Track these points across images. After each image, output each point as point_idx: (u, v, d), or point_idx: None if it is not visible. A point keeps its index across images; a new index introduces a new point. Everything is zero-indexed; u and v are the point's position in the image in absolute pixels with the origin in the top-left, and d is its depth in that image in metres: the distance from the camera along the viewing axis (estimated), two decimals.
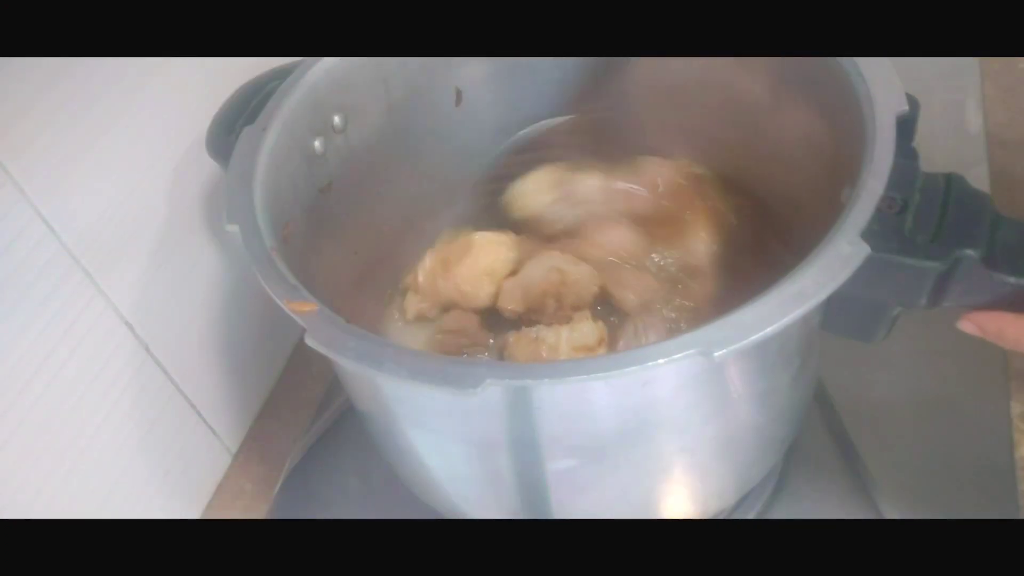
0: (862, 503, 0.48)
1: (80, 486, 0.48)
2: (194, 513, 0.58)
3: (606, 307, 0.50)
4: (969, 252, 0.33)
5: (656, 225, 0.52)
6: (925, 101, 0.39)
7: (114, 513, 0.50)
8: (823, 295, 0.32)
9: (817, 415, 0.52)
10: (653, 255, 0.51)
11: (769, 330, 0.31)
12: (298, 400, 0.64)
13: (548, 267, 0.50)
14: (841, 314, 0.37)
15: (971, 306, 0.35)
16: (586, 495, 0.40)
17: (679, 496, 0.42)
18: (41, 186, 0.43)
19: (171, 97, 0.52)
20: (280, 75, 0.47)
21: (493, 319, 0.51)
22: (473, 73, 0.53)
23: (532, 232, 0.54)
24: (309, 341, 0.34)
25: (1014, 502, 0.48)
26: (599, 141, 0.57)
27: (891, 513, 0.48)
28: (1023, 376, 0.54)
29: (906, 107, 0.37)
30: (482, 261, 0.51)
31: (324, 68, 0.46)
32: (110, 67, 0.47)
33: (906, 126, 0.38)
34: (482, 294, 0.50)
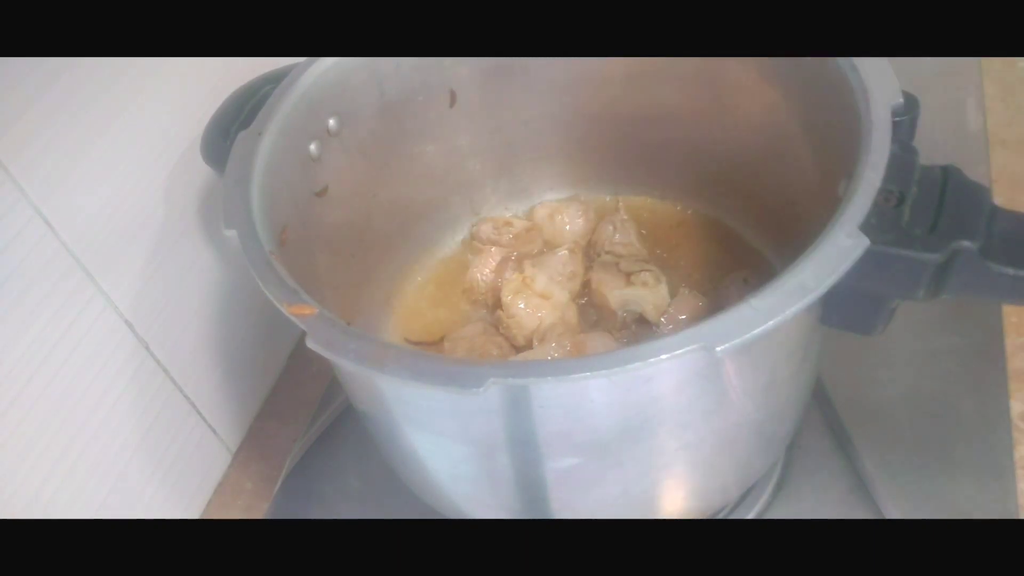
0: (862, 503, 0.48)
1: (80, 486, 0.48)
2: (194, 512, 0.58)
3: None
4: (967, 243, 0.33)
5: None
6: (925, 101, 0.39)
7: (114, 513, 0.50)
8: (823, 288, 0.32)
9: (817, 414, 0.52)
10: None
11: (771, 324, 0.31)
12: (298, 399, 0.64)
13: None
14: (840, 307, 0.37)
15: (969, 298, 0.35)
16: (588, 493, 0.40)
17: (682, 492, 0.42)
18: (41, 185, 0.43)
19: (170, 96, 0.52)
20: (274, 79, 0.47)
21: None
22: (467, 74, 0.53)
23: None
24: (310, 344, 0.34)
25: (1014, 502, 0.48)
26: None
27: (891, 513, 0.48)
28: (1023, 376, 0.54)
29: (901, 99, 0.37)
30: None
31: (318, 71, 0.46)
32: (109, 67, 0.47)
33: (906, 125, 0.38)
34: None
